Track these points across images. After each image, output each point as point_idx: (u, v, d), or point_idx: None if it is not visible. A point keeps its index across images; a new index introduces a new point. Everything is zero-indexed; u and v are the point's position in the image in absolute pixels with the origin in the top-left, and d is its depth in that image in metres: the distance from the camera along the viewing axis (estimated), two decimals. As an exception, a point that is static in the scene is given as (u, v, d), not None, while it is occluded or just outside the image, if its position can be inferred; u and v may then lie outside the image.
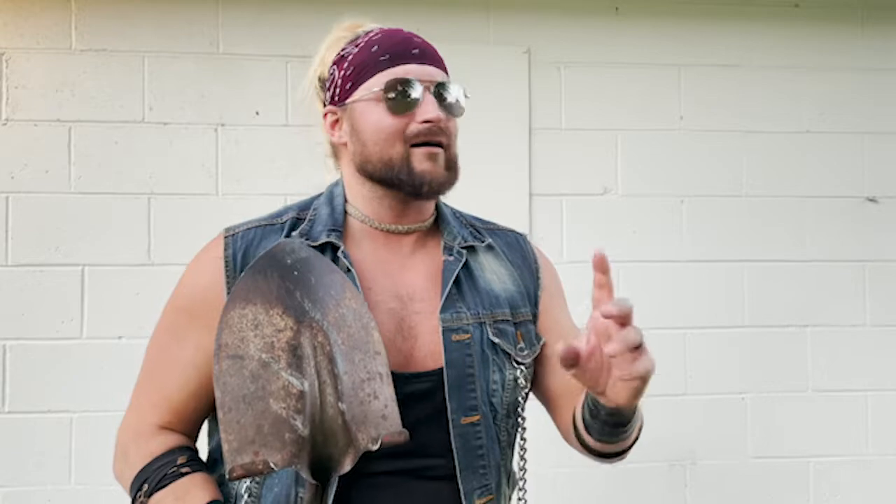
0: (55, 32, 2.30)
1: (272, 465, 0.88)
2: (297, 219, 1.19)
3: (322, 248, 1.12)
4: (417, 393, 1.08)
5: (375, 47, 1.16)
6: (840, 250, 2.54)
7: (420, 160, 1.11)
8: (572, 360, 0.88)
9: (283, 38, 2.36)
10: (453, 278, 1.14)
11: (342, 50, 1.20)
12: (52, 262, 2.26)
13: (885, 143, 2.57)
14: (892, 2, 2.58)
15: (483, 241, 1.22)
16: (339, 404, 0.92)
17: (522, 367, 1.15)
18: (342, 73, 1.18)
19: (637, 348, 0.88)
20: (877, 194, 2.56)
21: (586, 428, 1.08)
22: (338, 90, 1.19)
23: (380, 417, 0.93)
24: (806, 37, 2.56)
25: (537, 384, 1.23)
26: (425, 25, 2.43)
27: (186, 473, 1.07)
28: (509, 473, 1.19)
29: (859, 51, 2.58)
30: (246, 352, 0.92)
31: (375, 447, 0.93)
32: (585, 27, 2.47)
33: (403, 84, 1.11)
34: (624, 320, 0.87)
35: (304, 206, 1.22)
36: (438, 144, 1.12)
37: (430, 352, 1.11)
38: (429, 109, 1.10)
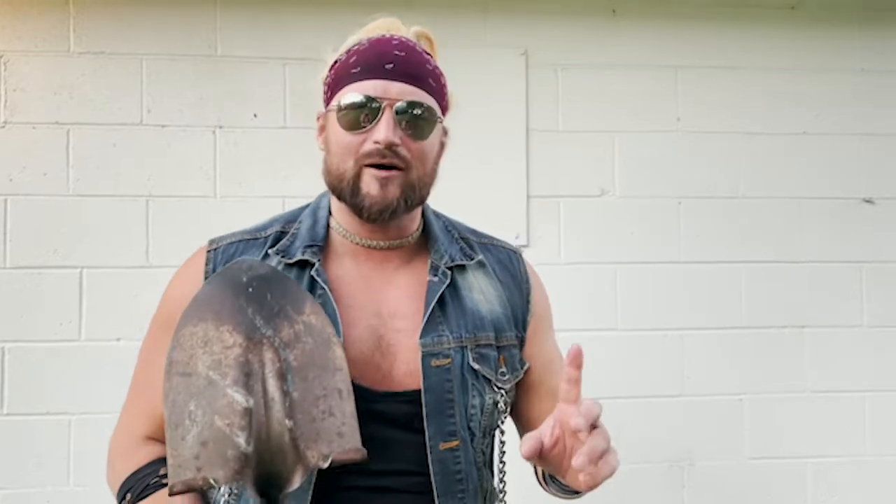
0: (53, 35, 2.30)
1: (212, 481, 0.88)
2: (280, 232, 1.17)
3: (300, 265, 1.11)
4: (395, 412, 1.07)
5: (354, 57, 1.13)
6: (837, 251, 2.54)
7: (368, 182, 1.07)
8: (535, 453, 0.89)
9: (281, 41, 2.37)
10: (436, 299, 1.10)
11: (340, 53, 1.19)
12: (51, 265, 2.26)
13: (882, 145, 2.57)
14: (889, 4, 2.59)
15: (473, 259, 1.17)
16: (287, 421, 0.91)
17: (503, 392, 1.13)
18: (328, 79, 1.17)
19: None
20: (874, 196, 2.57)
21: (544, 479, 1.15)
22: (324, 96, 1.19)
23: (335, 434, 0.92)
24: (803, 39, 2.57)
25: (515, 407, 1.21)
26: (421, 27, 2.44)
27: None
28: (486, 493, 1.17)
29: (856, 53, 2.59)
30: (194, 369, 0.92)
31: (325, 465, 0.91)
32: (582, 29, 2.48)
33: (359, 102, 1.07)
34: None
35: (291, 219, 1.21)
36: (392, 167, 1.07)
37: (409, 371, 1.08)
38: (380, 130, 1.05)
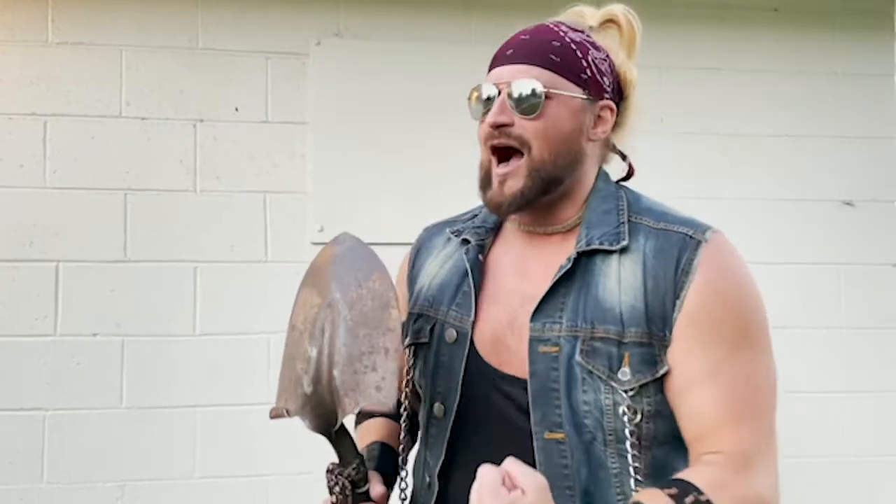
0: (31, 25, 2.26)
1: (287, 411, 1.07)
2: (473, 215, 1.24)
3: (465, 243, 1.19)
4: (514, 395, 1.06)
5: (498, 48, 1.16)
6: (817, 253, 2.56)
7: (494, 180, 1.10)
8: None
9: (263, 35, 2.35)
10: (551, 283, 1.06)
11: None
12: (26, 258, 2.23)
13: (861, 147, 2.60)
14: (869, 8, 2.61)
15: (618, 244, 1.07)
16: (335, 371, 1.04)
17: (623, 394, 1.01)
18: None
19: None
20: (853, 198, 2.59)
21: None
22: None
23: (373, 388, 1.01)
24: (785, 41, 2.59)
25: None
26: (406, 25, 2.43)
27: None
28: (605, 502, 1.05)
29: (837, 56, 2.61)
30: (295, 323, 1.12)
31: (355, 412, 1.03)
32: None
33: (477, 90, 1.11)
34: None
35: None
36: (509, 148, 1.07)
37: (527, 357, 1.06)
38: (491, 112, 1.07)
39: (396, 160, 2.36)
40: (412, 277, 1.26)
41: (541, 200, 1.09)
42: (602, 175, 1.17)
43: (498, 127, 1.06)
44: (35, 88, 2.26)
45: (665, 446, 1.04)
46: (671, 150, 2.52)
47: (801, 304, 2.54)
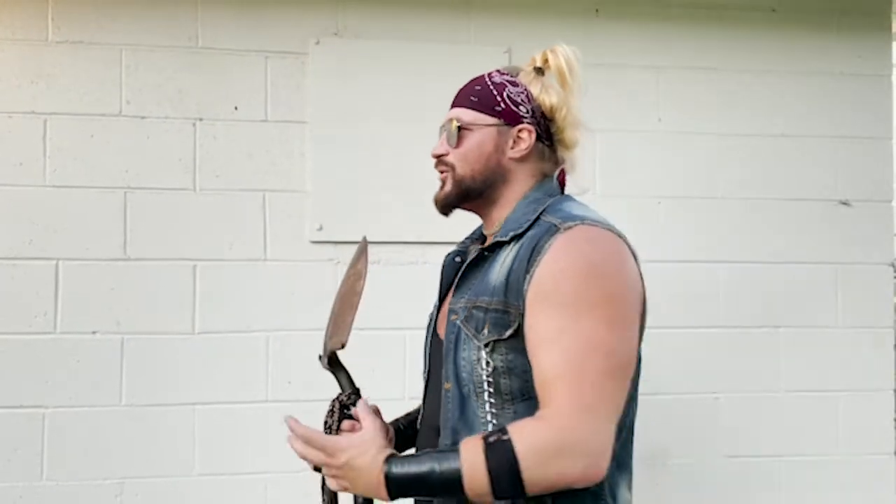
0: (31, 23, 2.27)
1: (319, 356, 1.48)
2: (472, 233, 1.54)
3: (461, 250, 1.50)
4: (440, 355, 1.35)
5: None
6: (813, 252, 2.57)
7: (439, 178, 1.44)
8: None
9: (262, 34, 2.35)
10: (462, 269, 1.37)
11: None
12: (26, 256, 2.23)
13: (858, 147, 2.61)
14: (867, 8, 2.62)
15: (509, 238, 1.31)
16: (330, 323, 1.47)
17: (482, 349, 1.24)
18: None
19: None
20: (850, 197, 2.60)
21: None
22: None
23: (343, 333, 1.44)
24: (782, 41, 2.60)
25: None
26: (406, 25, 2.44)
27: None
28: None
29: (834, 56, 2.62)
30: (339, 291, 1.53)
31: (330, 350, 1.44)
32: (565, 28, 2.48)
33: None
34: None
35: None
36: (444, 171, 1.41)
37: None
38: (435, 146, 1.42)
39: (396, 159, 2.37)
40: None
41: (466, 204, 1.40)
42: (541, 186, 1.38)
43: (436, 157, 1.41)
44: (34, 87, 2.26)
45: (526, 402, 1.23)
46: (668, 149, 2.53)
47: (797, 303, 2.55)
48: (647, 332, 2.44)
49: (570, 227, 1.24)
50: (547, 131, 1.40)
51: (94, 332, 2.25)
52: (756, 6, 2.57)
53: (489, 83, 1.39)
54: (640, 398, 2.55)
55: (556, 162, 1.42)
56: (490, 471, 1.12)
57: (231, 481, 2.28)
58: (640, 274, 1.30)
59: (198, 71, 2.33)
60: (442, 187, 1.40)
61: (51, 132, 2.26)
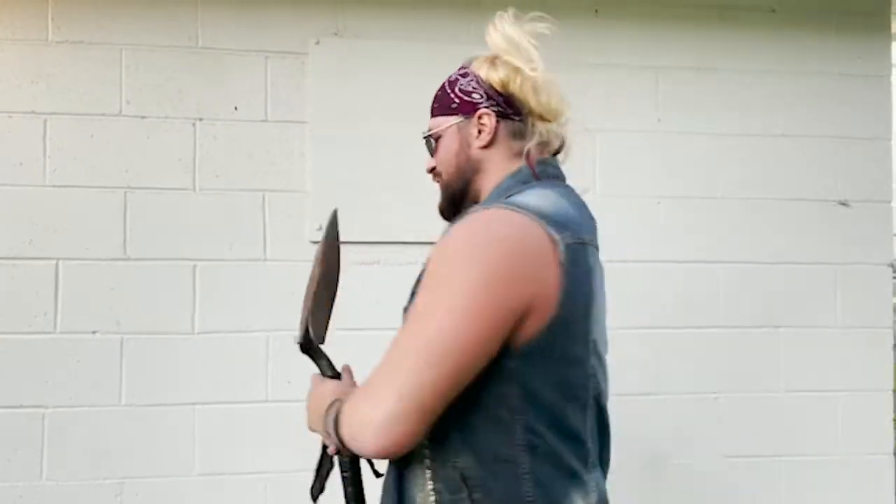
0: (31, 23, 2.27)
1: (296, 338, 1.48)
2: None
3: None
4: None
5: None
6: (813, 253, 2.57)
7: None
8: None
9: (262, 34, 2.36)
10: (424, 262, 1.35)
11: None
12: (26, 256, 2.23)
13: (857, 148, 2.61)
14: (866, 9, 2.62)
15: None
16: (304, 309, 1.47)
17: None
18: None
19: None
20: (849, 198, 2.60)
21: None
22: None
23: (307, 319, 1.46)
24: (782, 41, 2.60)
25: None
26: (406, 25, 2.44)
27: None
28: None
29: (833, 56, 2.62)
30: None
31: (298, 340, 1.46)
32: (565, 28, 2.47)
33: None
34: None
35: None
36: (437, 181, 1.43)
37: None
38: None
39: (396, 159, 2.37)
40: None
41: (461, 205, 1.37)
42: (516, 174, 1.32)
43: (429, 172, 1.44)
44: (35, 87, 2.26)
45: None
46: (668, 149, 2.53)
47: (796, 303, 2.55)
48: (646, 332, 2.45)
49: (475, 212, 1.21)
50: (510, 107, 1.32)
51: (94, 332, 2.25)
52: (756, 6, 2.57)
53: (445, 85, 1.41)
54: (640, 398, 2.55)
55: (538, 136, 1.32)
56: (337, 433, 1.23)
57: (231, 481, 2.28)
58: (564, 273, 1.15)
59: (198, 71, 2.33)
60: (440, 197, 1.44)
61: (51, 132, 2.26)
